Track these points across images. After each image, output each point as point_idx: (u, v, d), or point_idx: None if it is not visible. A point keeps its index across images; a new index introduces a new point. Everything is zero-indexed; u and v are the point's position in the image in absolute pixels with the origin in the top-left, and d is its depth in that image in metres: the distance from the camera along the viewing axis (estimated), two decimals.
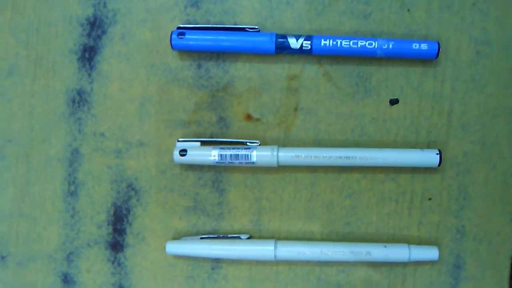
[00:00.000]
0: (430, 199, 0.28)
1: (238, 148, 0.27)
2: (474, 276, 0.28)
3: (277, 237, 0.29)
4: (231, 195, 0.29)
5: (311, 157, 0.27)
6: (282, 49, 0.27)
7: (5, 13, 0.29)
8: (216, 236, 0.29)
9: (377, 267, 0.29)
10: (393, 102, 0.28)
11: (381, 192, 0.28)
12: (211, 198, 0.29)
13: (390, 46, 0.27)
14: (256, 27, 0.28)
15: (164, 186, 0.29)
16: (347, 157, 0.27)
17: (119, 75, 0.29)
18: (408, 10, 0.28)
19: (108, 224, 0.29)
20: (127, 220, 0.29)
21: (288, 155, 0.27)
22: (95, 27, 0.29)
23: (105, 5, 0.29)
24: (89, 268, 0.30)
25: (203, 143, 0.28)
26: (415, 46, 0.27)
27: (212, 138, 0.29)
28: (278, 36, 0.27)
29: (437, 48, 0.27)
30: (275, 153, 0.27)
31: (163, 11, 0.29)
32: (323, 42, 0.27)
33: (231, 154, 0.27)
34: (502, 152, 0.28)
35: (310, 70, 0.28)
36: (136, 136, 0.29)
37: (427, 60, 0.28)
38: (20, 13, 0.29)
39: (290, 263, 0.29)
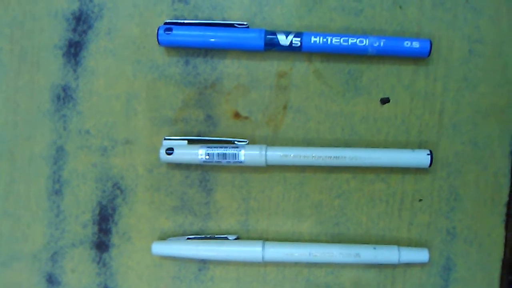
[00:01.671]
0: (420, 200, 0.28)
1: (226, 147, 0.27)
2: (465, 278, 0.28)
3: (265, 237, 0.28)
4: (219, 194, 0.28)
5: (300, 156, 0.26)
6: (272, 46, 0.27)
7: None
8: (203, 236, 0.28)
9: (366, 269, 0.28)
10: (384, 101, 0.28)
11: (371, 192, 0.28)
12: (198, 198, 0.28)
13: (382, 44, 0.26)
14: (245, 23, 0.27)
15: (150, 185, 0.28)
16: (336, 157, 0.26)
17: (105, 71, 0.28)
18: (400, 7, 0.27)
19: (93, 224, 0.29)
20: (113, 220, 0.29)
21: (276, 155, 0.27)
22: (81, 22, 0.28)
23: None
24: (74, 268, 0.29)
25: (190, 141, 0.28)
26: (407, 44, 0.26)
27: (199, 136, 0.28)
28: (267, 32, 0.27)
29: (429, 46, 0.26)
30: (263, 152, 0.26)
31: (150, 6, 0.28)
32: (313, 39, 0.26)
33: (218, 153, 0.27)
34: (493, 152, 0.28)
35: (299, 68, 0.28)
36: (122, 134, 0.28)
37: (419, 58, 0.27)
38: (4, 7, 0.28)
39: (278, 264, 0.28)
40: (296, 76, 0.28)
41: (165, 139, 0.28)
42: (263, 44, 0.27)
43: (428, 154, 0.26)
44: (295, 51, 0.27)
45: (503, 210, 0.28)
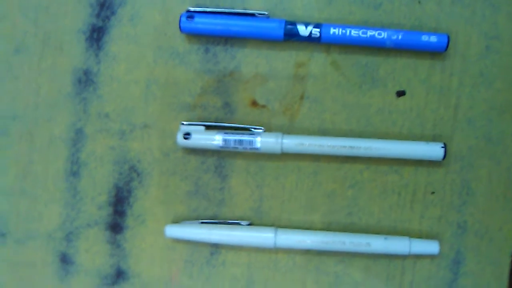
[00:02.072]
0: (433, 193, 0.28)
1: (243, 134, 0.27)
2: (474, 272, 0.28)
3: (277, 225, 0.29)
4: (233, 181, 0.29)
5: (316, 145, 0.27)
6: (291, 36, 0.27)
7: None
8: (216, 221, 0.28)
9: (376, 259, 0.28)
10: (400, 93, 0.28)
11: (384, 184, 0.28)
12: (213, 183, 0.29)
13: (400, 37, 0.27)
14: (266, 12, 0.28)
15: (166, 169, 0.29)
16: (351, 146, 0.27)
17: (126, 56, 0.29)
18: (419, 1, 0.28)
19: (109, 205, 0.29)
20: (128, 202, 0.29)
21: (292, 142, 0.27)
22: (105, 8, 0.29)
23: None
24: (88, 249, 0.30)
25: (208, 127, 0.28)
26: (425, 38, 0.27)
27: (216, 123, 0.29)
28: (287, 22, 0.27)
29: (446, 41, 0.27)
30: (279, 140, 0.27)
31: None
32: (332, 30, 0.27)
33: (235, 139, 0.27)
34: (507, 148, 0.28)
35: (318, 59, 0.28)
36: (141, 118, 0.29)
37: (436, 52, 0.28)
38: None
39: (290, 251, 0.29)
40: (314, 67, 0.28)
41: (182, 124, 0.28)
42: (282, 34, 0.27)
43: (442, 147, 0.27)
44: (314, 42, 0.27)
45: None
